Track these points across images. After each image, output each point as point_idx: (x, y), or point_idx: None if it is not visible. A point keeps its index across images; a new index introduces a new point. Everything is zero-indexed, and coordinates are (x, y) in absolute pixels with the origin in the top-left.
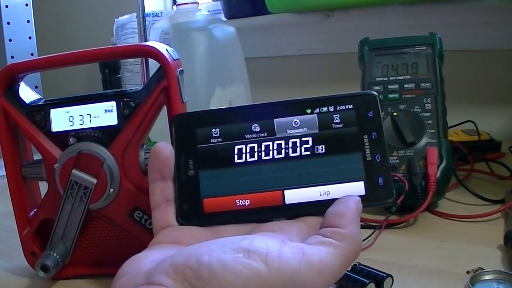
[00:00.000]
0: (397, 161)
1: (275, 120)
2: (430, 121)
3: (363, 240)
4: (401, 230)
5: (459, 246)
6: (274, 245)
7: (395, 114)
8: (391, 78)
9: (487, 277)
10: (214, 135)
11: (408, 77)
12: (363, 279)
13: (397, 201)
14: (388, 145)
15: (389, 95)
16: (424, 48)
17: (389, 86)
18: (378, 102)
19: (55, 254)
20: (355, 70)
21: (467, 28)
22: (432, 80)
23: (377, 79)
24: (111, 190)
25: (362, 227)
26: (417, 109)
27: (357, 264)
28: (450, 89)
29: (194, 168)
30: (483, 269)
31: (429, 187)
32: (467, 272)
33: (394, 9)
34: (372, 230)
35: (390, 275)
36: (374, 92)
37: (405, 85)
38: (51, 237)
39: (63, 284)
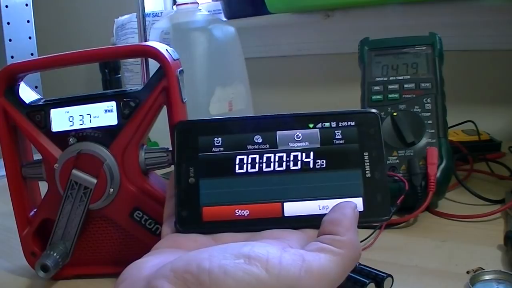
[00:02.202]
0: (397, 161)
1: (278, 132)
2: (430, 121)
3: (363, 240)
4: (401, 230)
5: (459, 246)
6: (274, 251)
7: (395, 114)
8: (391, 78)
9: (487, 277)
10: (216, 144)
11: (408, 77)
12: (363, 279)
13: (393, 212)
14: (388, 145)
15: (389, 95)
16: (424, 48)
17: (389, 86)
18: (380, 121)
19: (55, 254)
20: (355, 70)
21: (467, 28)
22: (432, 80)
23: (377, 79)
24: (111, 190)
25: (362, 227)
26: (417, 109)
27: (357, 264)
28: (450, 89)
29: (195, 176)
30: (483, 269)
31: (429, 187)
32: (467, 272)
33: (394, 9)
34: (372, 230)
35: (390, 275)
36: (376, 111)
37: (405, 85)
38: (51, 237)
39: (63, 284)
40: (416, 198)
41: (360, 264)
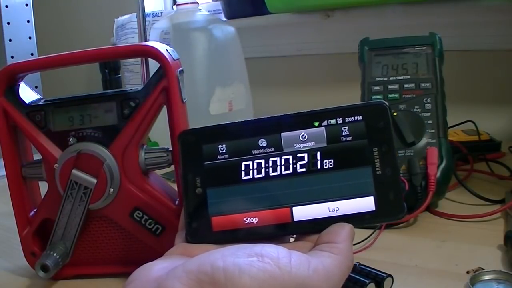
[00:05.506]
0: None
1: (282, 134)
2: (430, 121)
3: (363, 240)
4: (401, 230)
5: (459, 246)
6: (284, 252)
7: (395, 114)
8: (391, 78)
9: (487, 277)
10: (220, 151)
11: (408, 77)
12: (363, 279)
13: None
14: None
15: (389, 95)
16: (424, 48)
17: (389, 86)
18: (389, 112)
19: (55, 254)
20: (355, 70)
21: (467, 28)
22: (432, 80)
23: (377, 79)
24: (111, 190)
25: (363, 227)
26: (417, 109)
27: (357, 264)
28: (450, 89)
29: (202, 186)
30: (483, 269)
31: (429, 187)
32: (467, 272)
33: (394, 9)
34: (372, 230)
35: (390, 275)
36: (385, 102)
37: (405, 85)
38: (51, 237)
39: (63, 284)
40: (416, 198)
41: (360, 264)
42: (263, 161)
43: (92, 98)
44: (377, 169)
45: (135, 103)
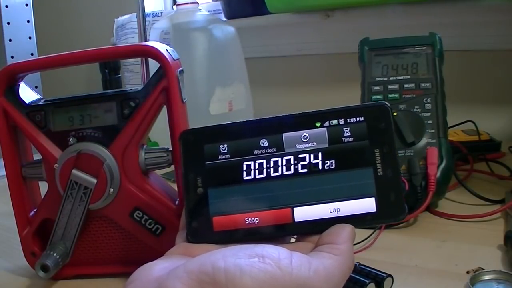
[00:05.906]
0: None
1: (284, 134)
2: (430, 121)
3: (363, 240)
4: (401, 230)
5: (459, 246)
6: (285, 252)
7: (395, 114)
8: (391, 78)
9: (487, 277)
10: (222, 151)
11: (408, 77)
12: (363, 279)
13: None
14: None
15: (389, 95)
16: (424, 48)
17: (389, 86)
18: (391, 113)
19: (55, 254)
20: (355, 70)
21: (467, 28)
22: (432, 80)
23: (377, 79)
24: (111, 190)
25: (363, 227)
26: (417, 109)
27: (357, 264)
28: (450, 89)
29: (203, 185)
30: (483, 269)
31: (429, 187)
32: (467, 272)
33: (394, 9)
34: (372, 230)
35: (390, 275)
36: (386, 103)
37: (405, 85)
38: (51, 237)
39: (63, 284)
40: (416, 198)
41: (360, 264)
42: (264, 161)
43: (92, 98)
44: (378, 170)
45: (135, 103)
